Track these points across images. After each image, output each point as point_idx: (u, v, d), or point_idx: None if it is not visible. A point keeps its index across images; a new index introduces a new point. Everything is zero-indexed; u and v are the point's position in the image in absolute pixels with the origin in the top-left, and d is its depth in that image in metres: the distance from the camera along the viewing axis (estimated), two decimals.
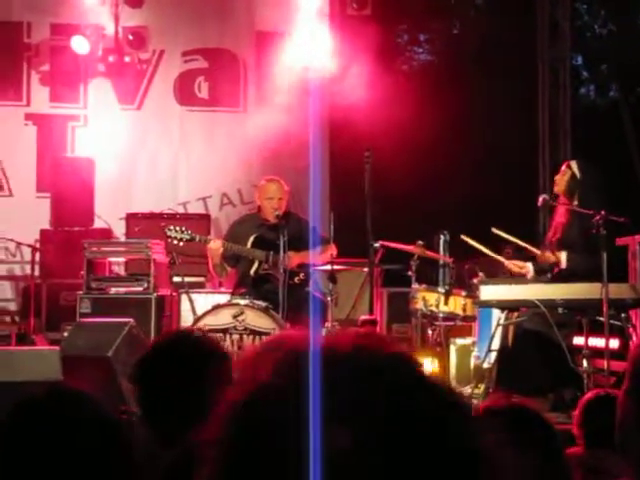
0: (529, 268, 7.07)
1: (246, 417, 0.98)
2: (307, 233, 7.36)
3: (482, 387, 6.99)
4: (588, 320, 6.63)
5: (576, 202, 6.95)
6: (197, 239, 7.56)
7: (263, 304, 7.11)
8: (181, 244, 7.60)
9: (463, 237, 7.20)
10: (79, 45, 10.27)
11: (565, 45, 11.71)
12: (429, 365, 7.60)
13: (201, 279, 9.22)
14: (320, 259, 7.69)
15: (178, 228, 7.57)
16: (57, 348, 6.91)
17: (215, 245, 7.47)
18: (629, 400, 1.70)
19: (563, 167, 7.18)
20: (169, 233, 7.55)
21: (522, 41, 11.70)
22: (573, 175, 7.00)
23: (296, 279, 7.48)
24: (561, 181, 7.07)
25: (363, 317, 7.54)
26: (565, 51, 11.71)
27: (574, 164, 7.12)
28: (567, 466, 2.43)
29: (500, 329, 6.99)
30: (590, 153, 11.78)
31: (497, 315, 7.14)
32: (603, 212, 6.42)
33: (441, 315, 7.45)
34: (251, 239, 7.60)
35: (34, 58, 10.71)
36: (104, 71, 10.63)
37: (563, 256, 6.94)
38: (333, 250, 7.82)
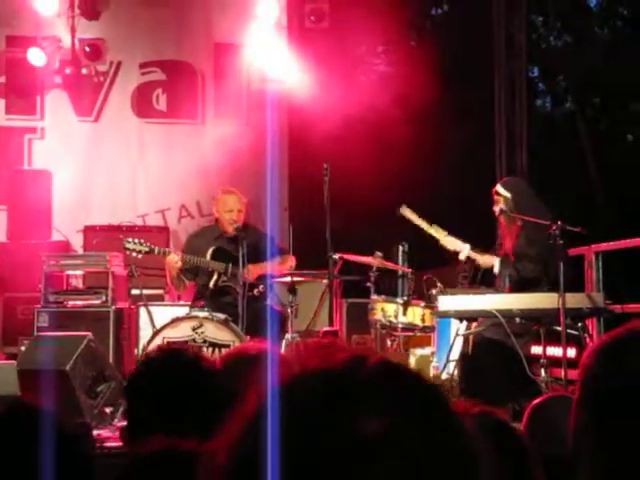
0: (465, 249, 7.08)
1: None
2: (265, 245, 7.37)
3: None
4: (545, 329, 6.70)
5: (519, 222, 7.01)
6: (156, 251, 7.53)
7: (222, 316, 7.10)
8: (139, 256, 7.56)
9: (403, 209, 7.21)
10: (35, 57, 10.20)
11: (521, 57, 11.82)
12: None
13: (160, 292, 9.18)
14: (279, 270, 7.70)
15: (137, 240, 7.54)
16: (14, 362, 6.85)
17: (173, 258, 7.45)
18: (580, 409, 1.72)
19: (494, 196, 7.18)
20: (127, 245, 7.52)
21: (478, 53, 11.80)
22: (505, 198, 7.08)
23: (255, 291, 7.48)
24: (499, 210, 7.12)
25: (325, 329, 7.55)
26: (521, 63, 11.82)
27: (500, 188, 7.16)
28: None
29: (459, 339, 7.03)
30: (546, 164, 11.89)
31: (456, 325, 7.18)
32: (560, 222, 6.49)
33: (400, 326, 7.47)
34: (210, 251, 7.59)
35: None
36: (61, 83, 10.57)
37: (496, 261, 7.02)
38: (292, 261, 7.83)
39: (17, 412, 2.25)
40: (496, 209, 7.12)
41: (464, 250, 7.07)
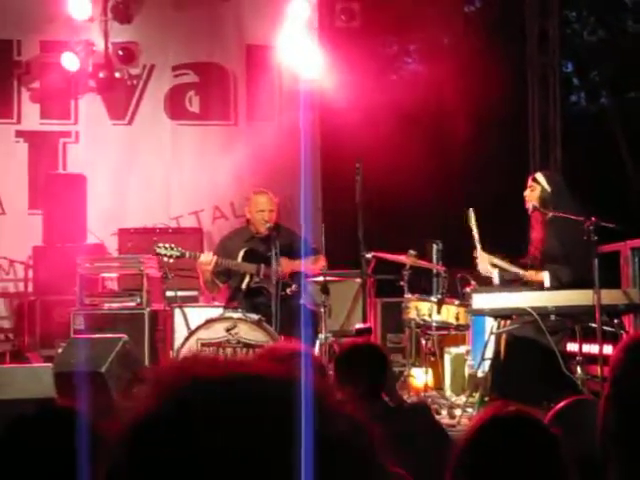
0: (495, 277, 7.04)
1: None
2: (297, 245, 7.37)
3: (477, 396, 6.99)
4: (581, 327, 6.64)
5: (549, 216, 6.93)
6: (187, 255, 7.55)
7: (256, 317, 7.11)
8: (171, 261, 7.59)
9: (470, 212, 7.13)
10: (69, 61, 10.28)
11: (555, 52, 11.74)
12: (423, 375, 7.61)
13: (194, 293, 9.22)
14: (310, 269, 7.70)
15: (167, 245, 7.55)
16: (50, 365, 6.91)
17: (206, 258, 7.47)
18: (610, 406, 1.70)
19: (530, 182, 7.11)
20: (158, 250, 7.54)
21: (512, 49, 11.74)
22: (543, 189, 7.00)
23: (288, 291, 7.48)
24: (532, 196, 7.03)
25: (358, 325, 7.54)
26: (554, 59, 11.75)
27: (541, 177, 7.09)
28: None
29: (493, 337, 6.99)
30: (580, 159, 11.81)
31: (491, 323, 7.14)
32: (594, 218, 6.42)
33: (434, 324, 7.45)
34: (241, 253, 7.61)
35: (24, 75, 10.71)
36: (94, 87, 10.63)
37: (546, 275, 6.94)
38: (323, 261, 7.83)
39: (49, 412, 2.26)
40: (529, 205, 7.04)
41: (495, 277, 7.04)
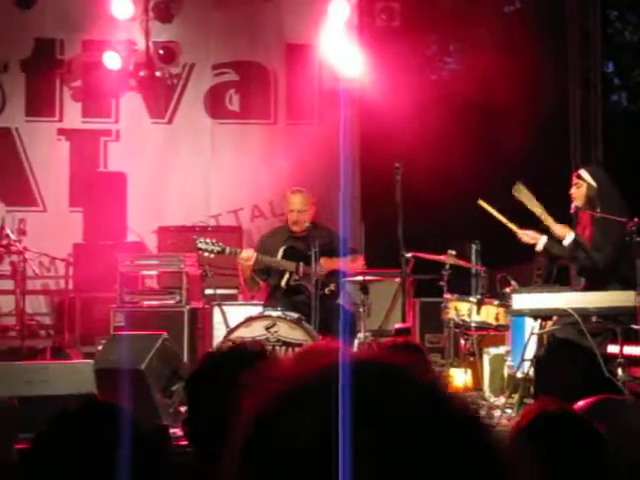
0: (541, 239, 6.91)
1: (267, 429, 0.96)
2: (336, 243, 7.37)
3: (516, 396, 6.96)
4: (622, 328, 6.58)
5: (599, 211, 6.82)
6: (227, 251, 7.57)
7: (295, 315, 7.12)
8: (211, 256, 7.62)
9: (480, 202, 7.08)
10: (111, 60, 10.36)
11: (596, 53, 11.65)
12: (462, 375, 7.58)
13: (233, 291, 9.25)
14: (349, 268, 7.70)
15: (208, 240, 7.59)
16: (91, 361, 6.97)
17: (247, 254, 7.49)
18: None
19: (575, 179, 6.94)
20: (199, 245, 7.58)
21: (552, 49, 11.66)
22: (589, 185, 6.86)
23: (327, 290, 7.49)
24: (579, 194, 6.87)
25: (397, 325, 7.53)
26: (596, 59, 11.66)
27: (585, 174, 6.91)
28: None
29: (534, 338, 6.94)
30: (622, 160, 11.70)
31: (530, 324, 7.10)
32: (637, 219, 6.36)
33: (473, 325, 7.42)
34: (281, 251, 7.62)
35: (66, 74, 10.80)
36: (135, 86, 10.70)
37: (569, 235, 6.83)
38: (361, 261, 7.82)
39: (91, 407, 2.29)
40: (577, 203, 6.90)
41: (541, 241, 6.90)
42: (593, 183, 6.83)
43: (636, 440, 2.55)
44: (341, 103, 10.28)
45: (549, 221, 6.86)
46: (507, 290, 7.15)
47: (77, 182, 10.50)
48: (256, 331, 7.08)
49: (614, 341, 6.64)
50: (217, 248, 7.54)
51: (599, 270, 6.73)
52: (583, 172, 6.94)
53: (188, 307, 8.57)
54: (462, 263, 7.91)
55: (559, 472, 2.23)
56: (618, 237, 6.55)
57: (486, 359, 8.09)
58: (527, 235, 6.92)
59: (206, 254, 7.59)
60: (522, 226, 6.99)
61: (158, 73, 10.69)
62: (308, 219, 7.63)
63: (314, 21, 10.62)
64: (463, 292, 7.79)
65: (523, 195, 6.93)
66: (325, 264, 7.44)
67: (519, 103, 10.94)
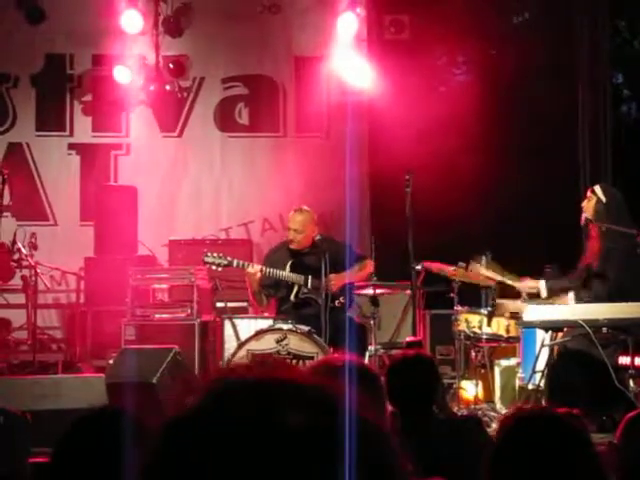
0: (541, 285, 7.15)
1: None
2: (343, 254, 7.37)
3: None
4: (633, 339, 6.58)
5: (603, 228, 6.99)
6: (235, 264, 7.60)
7: (306, 328, 7.13)
8: (219, 269, 7.64)
9: (472, 265, 7.30)
10: (121, 75, 10.40)
11: (605, 63, 11.65)
12: (473, 387, 7.57)
13: (244, 304, 9.25)
14: (360, 276, 7.71)
15: (216, 254, 7.62)
16: (102, 375, 6.98)
17: (253, 269, 7.52)
18: None
19: (588, 193, 7.23)
20: (207, 259, 7.61)
21: (561, 60, 11.66)
22: (599, 200, 7.05)
23: (337, 302, 7.49)
24: (588, 207, 7.11)
25: (409, 338, 7.53)
26: (605, 70, 11.65)
27: (598, 189, 7.18)
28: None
29: (545, 350, 6.94)
30: (632, 171, 11.70)
31: (541, 335, 7.10)
32: None
33: (484, 337, 7.42)
34: (288, 264, 7.64)
35: (77, 89, 10.87)
36: (145, 100, 10.74)
37: (542, 284, 7.05)
38: (370, 266, 7.81)
39: (102, 412, 2.32)
40: (587, 215, 7.04)
41: (541, 286, 7.11)
42: (603, 198, 7.01)
43: None
44: (349, 115, 10.29)
45: (515, 283, 7.16)
46: (518, 302, 7.19)
47: (88, 196, 10.53)
48: (267, 344, 7.10)
49: (625, 352, 6.64)
50: (224, 261, 7.57)
51: (600, 298, 6.86)
52: (597, 187, 7.20)
53: (199, 320, 8.59)
54: (491, 274, 7.80)
55: (538, 471, 2.26)
56: (625, 250, 6.62)
57: (497, 371, 8.07)
58: (527, 286, 7.15)
59: (214, 267, 7.62)
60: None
61: (168, 87, 10.73)
62: (305, 240, 7.66)
63: (323, 34, 10.64)
64: (474, 304, 7.78)
65: (481, 270, 7.18)
66: (336, 280, 7.44)
67: (528, 115, 10.95)
